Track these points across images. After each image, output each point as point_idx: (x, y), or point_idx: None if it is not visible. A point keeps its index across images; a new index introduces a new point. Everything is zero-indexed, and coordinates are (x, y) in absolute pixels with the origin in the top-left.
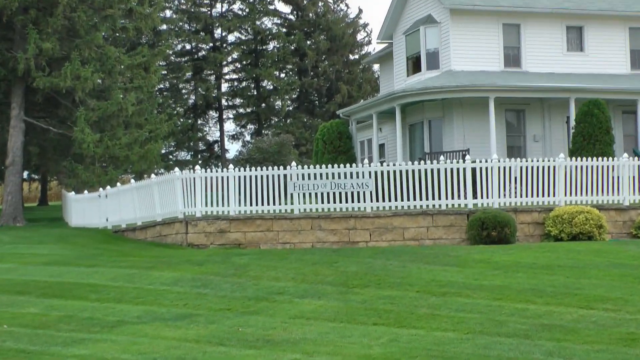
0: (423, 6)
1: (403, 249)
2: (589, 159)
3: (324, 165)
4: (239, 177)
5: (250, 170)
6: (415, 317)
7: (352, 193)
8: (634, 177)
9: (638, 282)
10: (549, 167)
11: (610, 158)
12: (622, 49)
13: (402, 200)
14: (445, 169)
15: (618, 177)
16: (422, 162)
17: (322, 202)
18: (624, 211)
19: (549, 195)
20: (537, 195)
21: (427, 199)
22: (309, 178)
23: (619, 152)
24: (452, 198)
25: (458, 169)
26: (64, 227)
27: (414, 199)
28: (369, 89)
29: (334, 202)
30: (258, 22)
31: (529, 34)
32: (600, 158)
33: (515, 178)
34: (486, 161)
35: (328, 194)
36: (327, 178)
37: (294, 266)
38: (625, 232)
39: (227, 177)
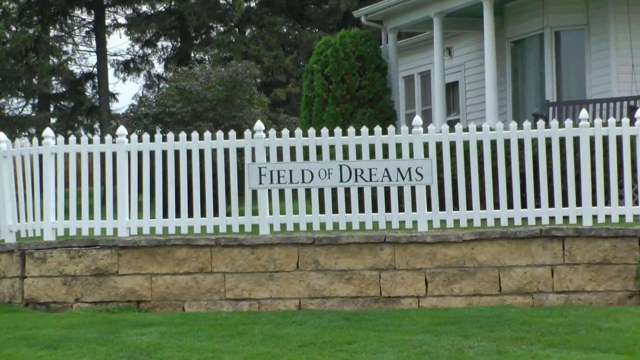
0: None
1: (501, 313)
2: None
3: (325, 130)
4: (141, 152)
5: (165, 138)
6: None
7: (388, 190)
8: None
9: None
10: None
11: None
12: None
13: (496, 207)
14: (591, 139)
15: None
16: (542, 120)
17: (323, 211)
18: None
19: None
20: None
21: (551, 204)
22: (293, 157)
23: None
24: (608, 202)
25: (620, 138)
26: None
27: (524, 205)
28: None
29: (349, 209)
30: None
31: None
32: None
33: None
34: None
35: (335, 191)
36: (334, 158)
37: (260, 351)
38: None
39: (115, 154)
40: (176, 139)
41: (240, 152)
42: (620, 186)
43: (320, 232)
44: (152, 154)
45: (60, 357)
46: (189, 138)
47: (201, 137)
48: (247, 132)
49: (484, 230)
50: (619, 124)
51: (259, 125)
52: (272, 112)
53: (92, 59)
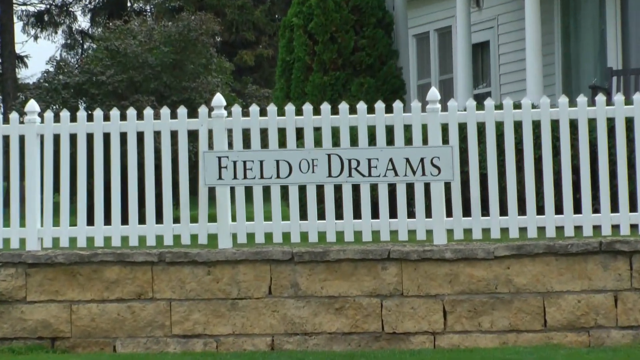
0: None
1: (546, 356)
2: None
3: (308, 107)
4: (58, 136)
5: (91, 117)
6: None
7: (394, 189)
8: None
9: None
10: None
11: None
12: None
13: (540, 212)
14: None
15: None
16: (603, 95)
17: (305, 216)
18: None
19: None
20: None
21: (613, 209)
22: (265, 144)
23: None
24: None
25: None
26: None
27: (576, 211)
28: None
29: (340, 214)
30: None
31: None
32: None
33: None
34: None
35: (321, 189)
36: (320, 145)
37: None
38: None
39: (23, 138)
40: (106, 117)
41: (193, 135)
42: None
43: (302, 245)
44: (73, 138)
45: None
46: (123, 117)
47: (140, 116)
48: (203, 109)
49: (523, 244)
50: None
51: (219, 99)
52: (237, 81)
53: None
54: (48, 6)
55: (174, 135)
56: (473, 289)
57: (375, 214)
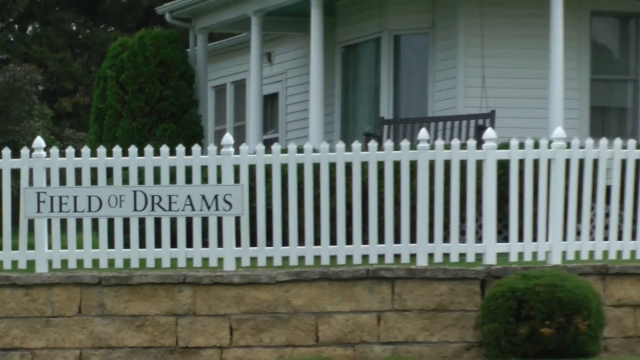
0: None
1: None
2: None
3: (118, 149)
4: None
5: None
6: None
7: (191, 222)
8: None
9: None
10: None
11: None
12: None
13: (317, 243)
14: (431, 163)
15: None
16: (375, 141)
17: (113, 245)
18: None
19: None
20: None
21: (381, 239)
22: (79, 181)
23: None
24: (447, 239)
25: (465, 163)
26: None
27: (350, 240)
28: None
29: (143, 244)
30: None
31: None
32: None
33: (608, 189)
34: (537, 145)
35: (127, 221)
36: (128, 182)
37: None
38: None
39: None
40: None
41: (16, 173)
42: (463, 220)
43: (109, 271)
44: None
45: None
46: None
47: None
48: (25, 150)
49: (301, 270)
50: (464, 146)
51: (39, 142)
52: (56, 126)
53: None
54: None
55: None
56: (257, 309)
57: (174, 244)
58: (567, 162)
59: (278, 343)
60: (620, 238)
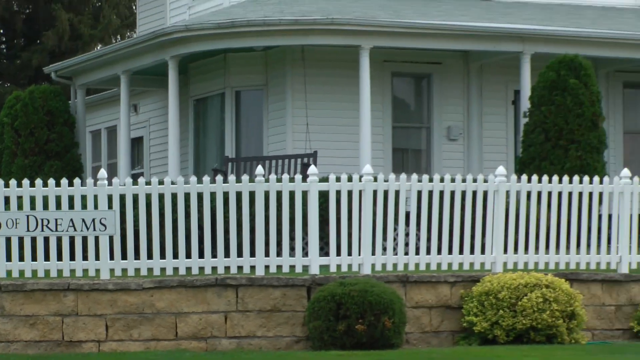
0: None
1: (175, 357)
2: (554, 178)
3: (14, 182)
4: None
5: None
6: None
7: (73, 240)
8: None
9: None
10: (474, 193)
11: (598, 178)
12: None
13: (175, 257)
14: (266, 193)
15: (610, 216)
16: (220, 176)
17: (10, 259)
18: (617, 285)
19: (473, 252)
20: (450, 252)
21: (227, 254)
22: None
23: (617, 166)
24: (280, 254)
25: (293, 193)
26: None
27: (202, 255)
28: (114, 20)
29: (35, 257)
30: None
31: None
32: (576, 177)
33: (408, 214)
34: (350, 179)
35: (21, 240)
36: (22, 208)
37: None
38: (619, 328)
39: None
40: None
41: None
42: (292, 238)
43: (7, 280)
44: None
45: None
46: None
47: None
48: None
49: (163, 279)
50: (292, 179)
51: None
52: None
53: None
54: None
55: None
56: (127, 310)
57: (60, 258)
58: (375, 192)
59: (145, 337)
60: (417, 253)
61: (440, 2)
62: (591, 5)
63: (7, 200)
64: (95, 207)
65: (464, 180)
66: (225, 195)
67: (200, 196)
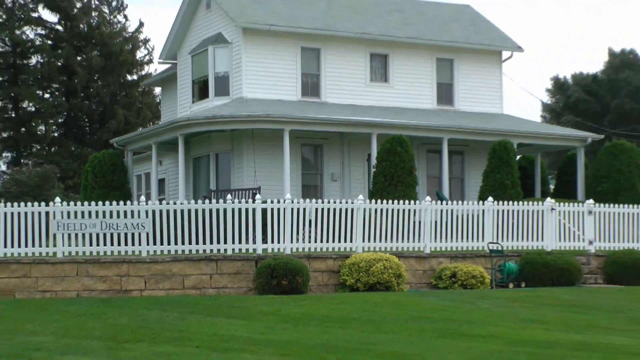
0: (213, 23)
1: (183, 299)
2: (389, 201)
3: (93, 202)
4: None
5: (5, 206)
6: None
7: (126, 234)
8: (436, 222)
9: (436, 337)
10: (346, 209)
11: (412, 201)
12: (429, 82)
13: (183, 243)
14: (233, 209)
15: (420, 222)
16: (207, 200)
17: (91, 245)
18: (424, 259)
19: (345, 241)
20: (333, 241)
21: (211, 242)
22: (76, 216)
23: (423, 195)
24: (240, 242)
25: (247, 210)
26: None
27: (197, 243)
28: (149, 115)
29: (105, 244)
30: (18, 32)
31: (330, 60)
32: (401, 201)
33: (310, 221)
34: (278, 201)
35: (98, 235)
36: (97, 217)
37: (56, 318)
38: (425, 282)
39: None
40: None
41: (47, 214)
42: (247, 234)
43: (90, 257)
44: None
45: None
46: None
47: None
48: (52, 204)
49: (175, 256)
50: (247, 202)
51: (58, 199)
52: (65, 193)
53: None
54: None
55: None
56: (156, 273)
57: (120, 244)
58: (292, 209)
59: (166, 288)
60: (316, 242)
61: (328, 106)
62: (408, 108)
63: (90, 213)
64: (139, 217)
65: (341, 202)
66: (210, 210)
67: (196, 211)
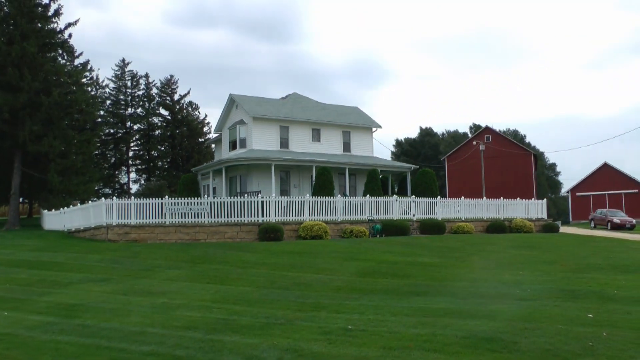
0: (239, 114)
1: (224, 243)
2: (321, 197)
3: (183, 198)
4: (137, 204)
5: (144, 199)
6: (229, 279)
7: (198, 213)
8: (342, 207)
9: (343, 260)
10: (302, 201)
11: (331, 197)
12: (339, 142)
13: (224, 217)
14: (249, 201)
15: (335, 207)
16: (237, 196)
17: (182, 218)
18: (338, 224)
19: (301, 216)
20: (295, 216)
21: (237, 216)
22: (175, 205)
23: (337, 194)
24: (251, 216)
25: (255, 202)
26: (41, 230)
27: (231, 217)
28: (209, 157)
29: (188, 218)
30: (150, 119)
31: (293, 131)
32: (326, 197)
33: (284, 207)
34: (269, 198)
35: (185, 213)
36: (185, 205)
37: (165, 252)
38: (338, 235)
39: (130, 204)
40: None
41: (162, 204)
42: (255, 212)
43: (181, 224)
44: (139, 204)
45: (116, 254)
46: None
47: None
48: (164, 199)
49: (221, 222)
50: (257, 197)
51: (167, 197)
52: (170, 194)
53: (126, 178)
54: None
55: None
56: (211, 231)
57: (195, 218)
58: (276, 202)
59: (216, 239)
60: (287, 217)
61: (293, 153)
62: (329, 153)
63: (181, 203)
64: (202, 205)
65: (298, 198)
66: (237, 202)
67: (232, 202)
